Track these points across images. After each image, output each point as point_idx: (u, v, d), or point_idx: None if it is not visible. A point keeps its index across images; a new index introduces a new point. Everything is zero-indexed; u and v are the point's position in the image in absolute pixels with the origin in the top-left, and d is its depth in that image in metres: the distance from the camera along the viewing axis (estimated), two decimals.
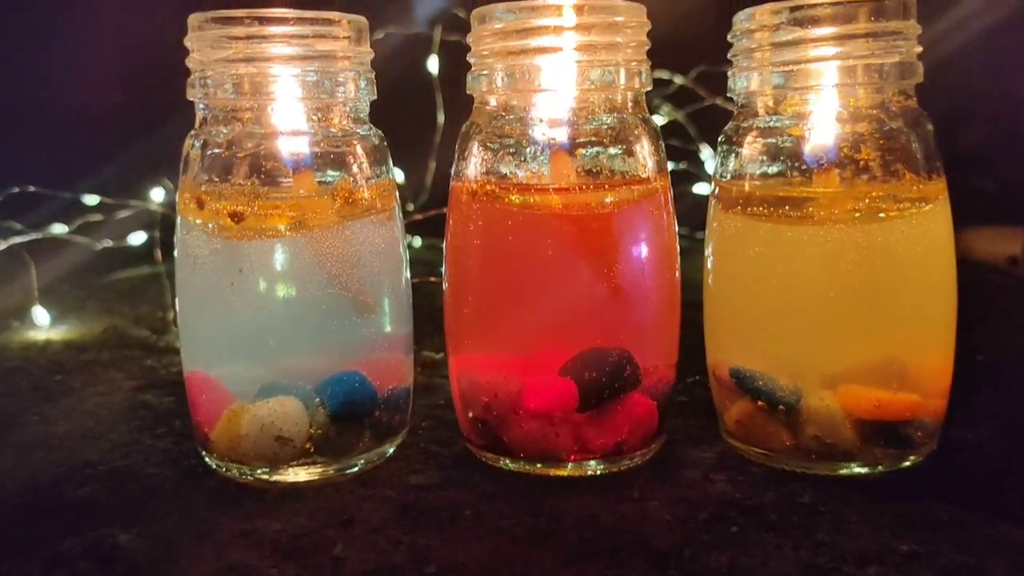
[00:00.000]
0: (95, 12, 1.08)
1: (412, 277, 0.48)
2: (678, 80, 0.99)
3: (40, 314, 0.76)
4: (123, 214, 0.95)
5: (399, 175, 1.00)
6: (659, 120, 1.01)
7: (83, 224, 0.92)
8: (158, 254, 0.91)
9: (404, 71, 1.00)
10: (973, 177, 0.94)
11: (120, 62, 1.07)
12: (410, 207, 1.05)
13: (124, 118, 1.03)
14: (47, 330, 0.75)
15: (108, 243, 0.94)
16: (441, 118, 1.03)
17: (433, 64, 1.01)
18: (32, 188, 0.88)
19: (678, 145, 1.00)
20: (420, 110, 1.02)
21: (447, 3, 1.04)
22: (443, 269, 0.46)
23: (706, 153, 1.01)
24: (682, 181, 0.98)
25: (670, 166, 0.46)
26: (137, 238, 0.95)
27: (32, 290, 0.77)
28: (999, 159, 1.01)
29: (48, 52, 1.06)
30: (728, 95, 0.46)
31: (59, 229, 0.91)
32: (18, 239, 0.82)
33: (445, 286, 0.46)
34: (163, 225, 0.91)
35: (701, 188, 0.98)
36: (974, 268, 0.84)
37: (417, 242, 1.03)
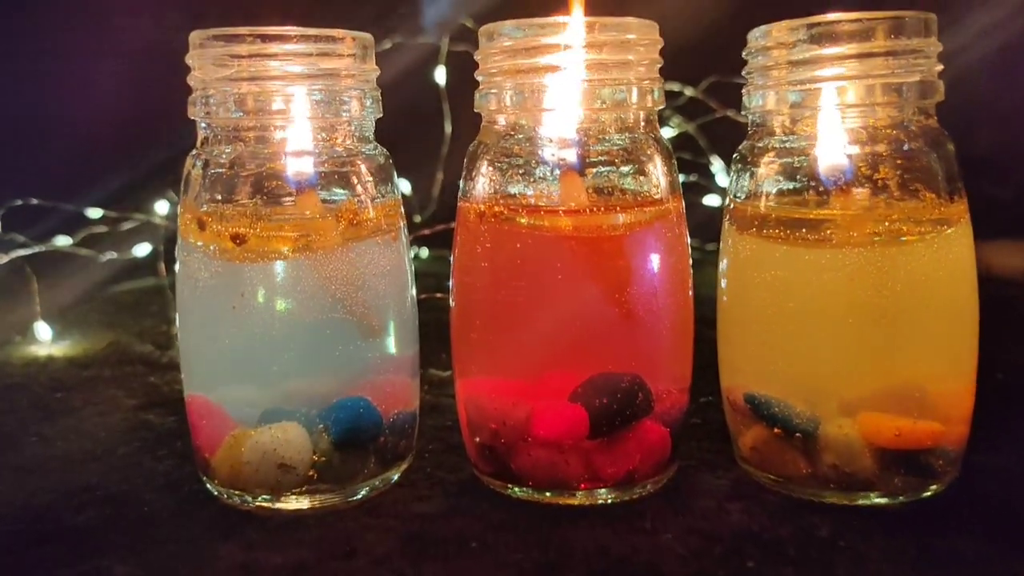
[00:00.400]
0: (98, 23, 1.07)
1: (419, 292, 0.47)
2: (688, 92, 0.98)
3: (42, 329, 0.75)
4: (127, 226, 0.94)
5: (406, 186, 0.99)
6: (670, 132, 1.00)
7: (86, 237, 0.91)
8: (162, 267, 0.90)
9: (412, 81, 0.99)
10: (988, 187, 0.93)
11: (124, 74, 1.07)
12: (417, 218, 1.04)
13: (128, 130, 1.03)
14: (49, 346, 0.74)
15: (112, 255, 0.93)
16: (448, 128, 1.02)
17: (440, 75, 1.00)
18: (35, 201, 0.87)
19: (689, 157, 0.99)
20: (427, 121, 1.01)
21: (455, 13, 1.04)
22: (450, 287, 0.45)
23: (717, 165, 1.00)
24: (693, 193, 0.97)
25: (680, 178, 0.44)
26: (141, 250, 0.94)
27: (34, 304, 0.76)
28: (1014, 169, 0.99)
29: (51, 64, 1.06)
30: (742, 112, 0.45)
31: (62, 242, 0.90)
32: (21, 252, 0.81)
33: (452, 307, 0.45)
34: (167, 238, 0.91)
35: (712, 200, 0.97)
36: (992, 282, 0.82)
37: (424, 253, 1.02)
